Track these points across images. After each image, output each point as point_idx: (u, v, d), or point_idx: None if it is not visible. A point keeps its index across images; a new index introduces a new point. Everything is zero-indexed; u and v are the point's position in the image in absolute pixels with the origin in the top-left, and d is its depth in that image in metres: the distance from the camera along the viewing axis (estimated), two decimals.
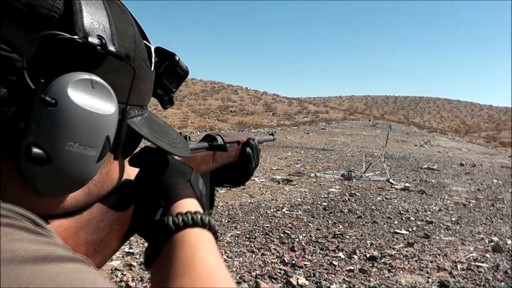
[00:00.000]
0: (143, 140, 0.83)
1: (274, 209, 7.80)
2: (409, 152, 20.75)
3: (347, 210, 7.98)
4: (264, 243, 5.85)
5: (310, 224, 6.95)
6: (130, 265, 4.84)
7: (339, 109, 62.58)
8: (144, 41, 0.79)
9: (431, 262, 5.43)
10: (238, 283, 4.51)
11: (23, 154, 0.57)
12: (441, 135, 37.76)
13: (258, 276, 4.72)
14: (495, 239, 6.55)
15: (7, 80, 0.55)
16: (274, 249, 5.63)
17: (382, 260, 5.37)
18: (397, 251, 5.78)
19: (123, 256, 5.07)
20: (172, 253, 0.74)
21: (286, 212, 7.68)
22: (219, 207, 7.73)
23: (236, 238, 6.02)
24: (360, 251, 5.68)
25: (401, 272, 5.05)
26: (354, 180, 11.23)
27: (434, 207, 8.60)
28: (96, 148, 0.63)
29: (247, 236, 6.11)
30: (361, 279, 4.79)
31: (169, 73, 0.88)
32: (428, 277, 4.93)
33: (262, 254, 5.41)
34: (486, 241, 6.47)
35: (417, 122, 69.75)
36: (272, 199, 8.62)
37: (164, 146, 0.80)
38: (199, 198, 0.93)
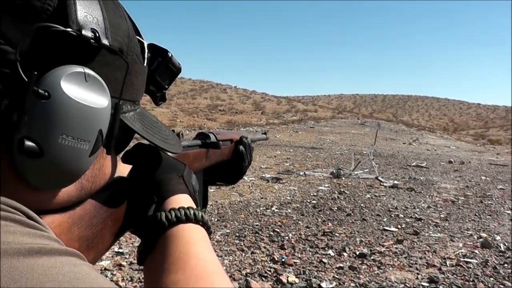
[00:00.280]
0: (135, 136, 0.82)
1: (264, 208, 7.80)
2: (398, 150, 20.86)
3: (336, 208, 8.00)
4: (254, 241, 5.85)
5: (299, 222, 6.96)
6: (120, 265, 4.82)
7: (328, 108, 62.74)
8: (137, 37, 0.79)
9: (421, 258, 5.45)
10: None
11: (16, 147, 0.56)
12: (429, 133, 37.95)
13: (248, 274, 4.72)
14: (484, 235, 6.59)
15: (0, 73, 0.54)
16: (264, 247, 5.63)
17: (372, 257, 5.39)
18: (387, 248, 5.80)
19: (112, 256, 5.05)
20: (165, 249, 0.74)
21: (276, 210, 7.68)
22: (208, 206, 7.72)
23: (226, 236, 6.02)
24: (349, 248, 5.69)
25: (390, 269, 5.06)
26: (343, 178, 11.27)
27: (423, 204, 8.64)
28: (89, 142, 0.62)
29: (237, 234, 6.11)
30: (351, 276, 4.80)
31: (162, 69, 0.87)
32: (418, 274, 4.95)
33: (252, 253, 5.41)
34: (475, 237, 6.51)
35: (405, 120, 69.94)
36: (262, 198, 8.62)
37: (156, 142, 0.80)
38: (192, 193, 0.93)
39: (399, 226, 6.94)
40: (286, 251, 5.52)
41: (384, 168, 13.69)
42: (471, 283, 4.72)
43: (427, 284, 4.65)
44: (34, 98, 0.55)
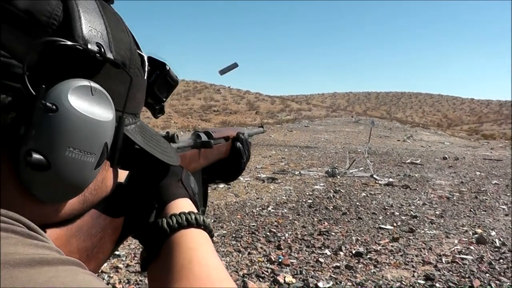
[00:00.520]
0: None
1: (260, 208, 7.81)
2: (392, 147, 20.90)
3: (332, 207, 8.01)
4: (251, 242, 5.86)
5: (295, 222, 6.97)
6: (117, 267, 4.82)
7: (322, 106, 62.72)
8: (138, 50, 0.79)
9: (416, 256, 5.47)
10: None
11: (23, 159, 0.56)
12: (423, 129, 37.98)
13: (245, 275, 4.73)
14: (479, 231, 6.62)
15: (6, 86, 0.55)
16: (261, 247, 5.64)
17: (368, 256, 5.40)
18: (383, 246, 5.81)
19: (109, 259, 5.04)
20: (168, 256, 0.74)
21: (272, 210, 7.69)
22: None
23: (223, 237, 6.02)
24: (346, 247, 5.71)
25: (387, 267, 5.08)
26: (338, 176, 11.28)
27: (418, 202, 8.67)
28: (94, 155, 0.63)
29: (233, 235, 6.11)
30: (348, 275, 4.82)
31: (160, 82, 0.88)
32: (414, 271, 4.97)
33: (249, 253, 5.42)
34: (470, 233, 6.54)
35: (399, 117, 69.99)
36: (258, 198, 8.63)
37: (156, 154, 0.80)
38: (192, 197, 0.93)
39: (395, 224, 6.96)
40: (283, 251, 5.53)
41: (379, 166, 13.71)
42: (467, 279, 4.74)
43: (423, 282, 4.67)
44: (41, 111, 0.56)
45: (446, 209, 8.12)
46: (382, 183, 10.52)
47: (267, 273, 4.80)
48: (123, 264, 4.92)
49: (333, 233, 6.34)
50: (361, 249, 5.60)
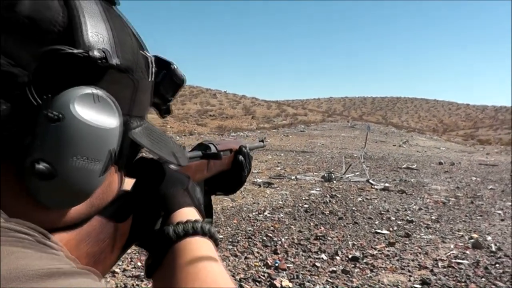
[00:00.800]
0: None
1: (256, 213, 7.81)
2: (388, 152, 20.94)
3: (328, 212, 8.02)
4: (247, 246, 5.86)
5: (292, 226, 6.98)
6: (113, 272, 4.81)
7: (318, 111, 62.76)
8: (143, 52, 0.78)
9: (413, 260, 5.48)
10: None
11: (28, 169, 0.56)
12: (419, 134, 38.07)
13: (242, 279, 4.73)
14: (475, 236, 6.64)
15: (10, 95, 0.55)
16: (257, 252, 5.64)
17: (364, 260, 5.41)
18: (379, 251, 5.82)
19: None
20: (174, 263, 0.74)
21: (268, 215, 7.69)
22: None
23: (219, 242, 6.01)
24: (342, 252, 5.71)
25: (383, 271, 5.09)
26: (335, 181, 11.29)
27: (414, 206, 8.69)
28: (100, 162, 0.63)
29: (230, 240, 6.11)
30: (344, 279, 4.82)
31: (166, 82, 0.87)
32: (410, 276, 4.98)
33: (246, 258, 5.42)
34: (466, 238, 6.55)
35: (395, 122, 70.17)
36: (254, 203, 8.63)
37: (164, 156, 0.79)
38: (198, 206, 0.93)
39: (391, 229, 6.97)
40: (279, 255, 5.53)
41: (375, 171, 13.74)
42: (463, 284, 4.76)
43: (419, 286, 4.68)
44: (45, 121, 0.56)
45: (442, 214, 8.14)
46: (378, 188, 10.53)
47: (263, 278, 4.81)
48: (119, 268, 4.91)
49: (329, 238, 6.34)
50: (358, 254, 5.61)
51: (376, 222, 7.38)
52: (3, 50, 0.54)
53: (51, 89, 0.57)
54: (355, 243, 6.15)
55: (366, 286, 4.65)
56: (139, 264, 5.04)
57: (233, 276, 4.82)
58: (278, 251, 5.66)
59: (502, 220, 7.78)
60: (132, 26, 0.77)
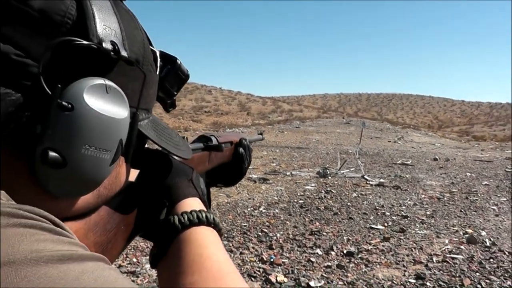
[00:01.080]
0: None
1: (251, 208, 7.82)
2: (383, 148, 20.94)
3: (323, 207, 8.03)
4: (242, 242, 5.87)
5: (287, 222, 6.99)
6: None
7: (313, 107, 62.78)
8: (150, 46, 0.80)
9: (407, 255, 5.49)
10: None
11: (39, 158, 0.57)
12: (414, 130, 38.09)
13: None
14: (470, 231, 6.65)
15: (21, 85, 0.55)
16: (252, 247, 5.65)
17: (359, 256, 5.42)
18: (374, 246, 5.84)
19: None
20: (179, 252, 0.75)
21: (263, 210, 7.71)
22: None
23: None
24: (337, 247, 5.72)
25: (378, 266, 5.10)
26: (330, 177, 11.30)
27: (409, 202, 8.70)
28: (110, 152, 0.64)
29: (225, 235, 6.11)
30: (339, 274, 4.83)
31: (171, 77, 0.89)
32: (405, 271, 4.99)
33: (241, 253, 5.43)
34: (461, 233, 6.57)
35: (390, 118, 70.18)
36: (249, 198, 8.63)
37: (169, 149, 0.81)
38: (202, 197, 0.94)
39: (386, 224, 6.98)
40: (275, 251, 5.54)
41: (370, 167, 13.74)
42: (457, 278, 4.77)
43: (414, 281, 4.70)
44: (57, 110, 0.57)
45: (437, 209, 8.16)
46: (373, 184, 10.54)
47: (259, 273, 4.82)
48: (115, 264, 4.89)
49: (324, 233, 6.36)
50: (353, 249, 5.62)
51: (371, 218, 7.40)
52: (14, 42, 0.55)
53: (62, 80, 0.58)
54: (350, 238, 6.16)
55: (361, 281, 4.67)
56: (134, 260, 5.05)
57: None
58: (273, 247, 5.67)
59: (497, 215, 7.80)
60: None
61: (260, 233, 6.26)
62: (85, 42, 0.59)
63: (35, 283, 0.43)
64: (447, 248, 5.80)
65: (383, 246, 5.84)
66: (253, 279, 4.66)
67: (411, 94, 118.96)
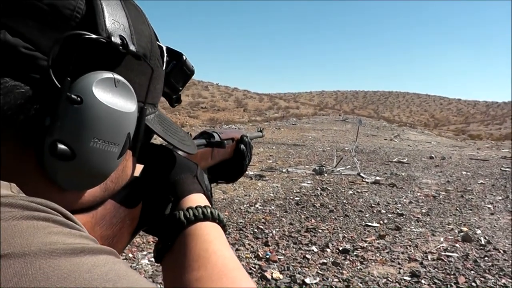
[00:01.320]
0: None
1: (248, 205, 7.83)
2: (379, 146, 21.00)
3: (319, 205, 8.04)
4: (238, 238, 5.87)
5: (283, 218, 7.00)
6: None
7: (310, 105, 62.84)
8: (157, 42, 0.80)
9: (402, 253, 5.51)
10: None
11: (48, 150, 0.57)
12: (410, 129, 38.19)
13: None
14: (465, 229, 6.68)
15: (30, 78, 0.56)
16: (248, 244, 5.65)
17: (355, 253, 5.44)
18: (369, 243, 5.85)
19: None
20: (184, 247, 0.76)
21: (259, 207, 7.71)
22: None
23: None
24: (332, 244, 5.73)
25: (373, 264, 5.11)
26: (326, 174, 11.32)
27: (404, 200, 8.72)
28: (118, 145, 0.64)
29: None
30: (334, 271, 4.85)
31: (176, 72, 0.89)
32: (400, 268, 5.00)
33: (237, 250, 5.43)
34: (456, 231, 6.59)
35: (386, 116, 70.33)
36: (245, 195, 8.65)
37: (175, 143, 0.81)
38: (206, 192, 0.95)
39: (381, 222, 7.00)
40: (270, 247, 5.55)
41: (366, 164, 13.77)
42: (452, 276, 4.79)
43: (409, 278, 4.71)
44: (67, 103, 0.57)
45: (432, 207, 8.18)
46: (369, 181, 10.57)
47: (254, 269, 4.82)
48: None
49: (320, 230, 6.37)
50: (348, 246, 5.63)
51: (367, 215, 7.41)
52: (24, 35, 0.55)
53: (71, 73, 0.58)
54: (346, 235, 6.18)
55: (356, 278, 4.68)
56: (130, 255, 5.05)
57: None
58: (269, 243, 5.68)
59: (492, 214, 7.83)
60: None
61: (256, 230, 6.27)
62: (94, 36, 0.59)
63: (49, 275, 0.43)
64: (442, 246, 5.82)
65: (378, 243, 5.86)
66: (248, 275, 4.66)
67: (408, 92, 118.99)
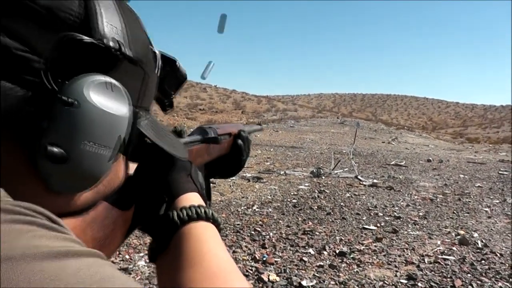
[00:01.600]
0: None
1: (245, 207, 7.83)
2: (377, 149, 20.99)
3: (316, 207, 8.04)
4: (235, 240, 5.87)
5: (280, 221, 7.00)
6: None
7: (308, 107, 62.89)
8: (152, 47, 0.80)
9: (399, 256, 5.51)
10: None
11: (41, 152, 0.57)
12: (408, 132, 38.23)
13: None
14: (462, 232, 6.68)
15: (25, 80, 0.56)
16: (245, 246, 5.65)
17: (351, 256, 5.44)
18: (366, 246, 5.85)
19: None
20: (179, 247, 0.76)
21: (257, 209, 7.71)
22: None
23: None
24: (329, 247, 5.74)
25: (370, 266, 5.11)
26: (323, 177, 11.32)
27: (402, 203, 8.73)
28: (110, 148, 0.64)
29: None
30: (331, 274, 4.85)
31: (170, 78, 0.90)
32: (396, 271, 5.01)
33: (234, 252, 5.43)
34: (453, 234, 6.59)
35: (384, 119, 70.39)
36: (243, 197, 8.64)
37: (166, 148, 0.81)
38: (200, 191, 0.95)
39: (378, 225, 7.00)
40: (267, 250, 5.55)
41: (364, 167, 13.77)
42: (448, 279, 4.79)
43: (405, 281, 4.71)
44: (60, 105, 0.57)
45: (430, 210, 8.18)
46: (366, 184, 10.57)
47: (251, 272, 4.82)
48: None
49: (317, 233, 6.37)
50: (345, 249, 5.63)
51: (364, 218, 7.42)
52: (19, 37, 0.55)
53: (66, 76, 0.58)
54: (343, 238, 6.18)
55: (352, 281, 4.68)
56: (127, 257, 5.05)
57: None
58: (266, 246, 5.68)
59: (489, 217, 7.84)
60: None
61: (253, 232, 6.27)
62: (89, 39, 0.59)
63: (31, 279, 0.43)
64: (439, 249, 5.82)
65: (375, 246, 5.86)
66: (245, 277, 4.65)
67: (406, 95, 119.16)
